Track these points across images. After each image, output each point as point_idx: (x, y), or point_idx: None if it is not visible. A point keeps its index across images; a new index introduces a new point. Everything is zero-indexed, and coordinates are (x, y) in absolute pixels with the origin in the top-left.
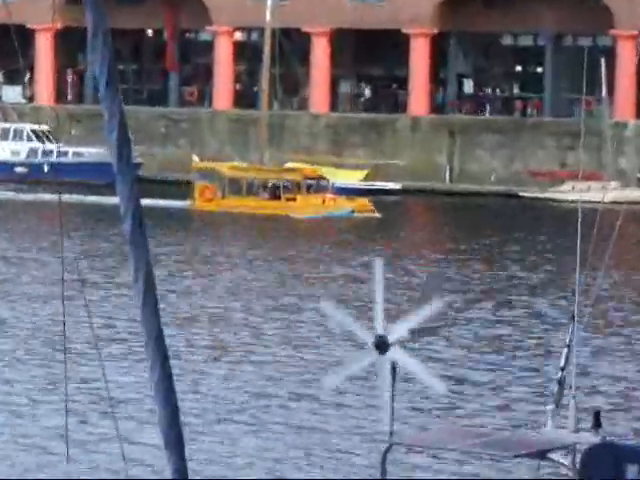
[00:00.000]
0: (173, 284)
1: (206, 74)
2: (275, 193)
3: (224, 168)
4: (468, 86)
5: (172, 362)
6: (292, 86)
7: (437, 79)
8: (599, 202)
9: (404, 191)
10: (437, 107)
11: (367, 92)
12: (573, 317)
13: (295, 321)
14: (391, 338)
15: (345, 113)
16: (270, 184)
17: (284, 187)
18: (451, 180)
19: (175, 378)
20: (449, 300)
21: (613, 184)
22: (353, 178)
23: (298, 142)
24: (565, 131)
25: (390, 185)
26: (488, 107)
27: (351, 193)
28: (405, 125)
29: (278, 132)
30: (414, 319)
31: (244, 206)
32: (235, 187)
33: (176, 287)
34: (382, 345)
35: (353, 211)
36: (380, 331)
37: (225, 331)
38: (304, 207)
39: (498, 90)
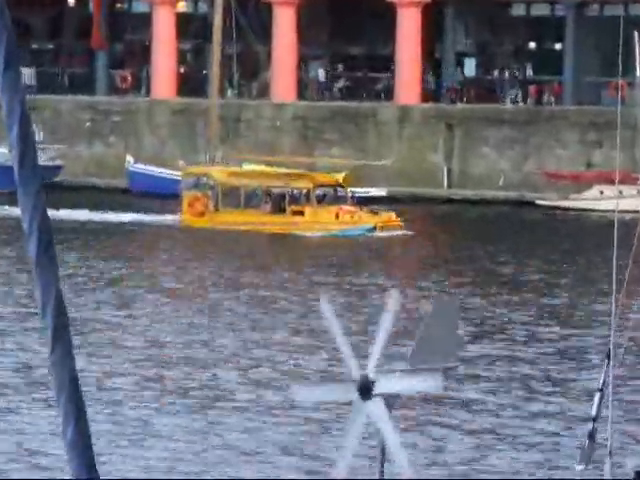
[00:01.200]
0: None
1: (142, 54)
2: (280, 205)
3: (218, 173)
4: (470, 67)
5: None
6: (250, 69)
7: (431, 59)
8: (635, 211)
9: (391, 199)
10: (431, 94)
11: (344, 76)
12: (608, 356)
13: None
14: (377, 387)
15: (317, 102)
16: (273, 193)
17: (291, 197)
18: (449, 185)
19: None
20: (462, 336)
21: None
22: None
23: (258, 138)
24: (591, 122)
25: (373, 191)
26: (495, 94)
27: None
28: (392, 116)
29: (233, 126)
30: (412, 371)
31: (241, 221)
32: (231, 197)
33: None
34: (365, 390)
35: (374, 228)
36: (369, 373)
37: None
38: (313, 223)
39: (507, 72)
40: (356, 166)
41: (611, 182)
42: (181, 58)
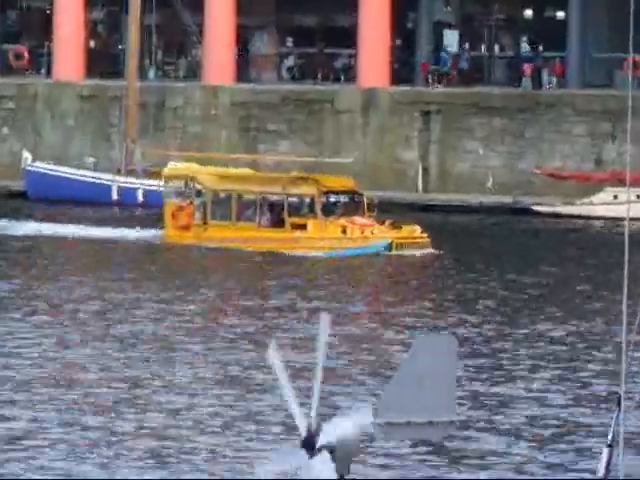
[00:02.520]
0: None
1: (42, 25)
2: (279, 216)
3: (206, 177)
4: (451, 41)
5: None
6: (177, 44)
7: (403, 31)
8: None
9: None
10: (403, 74)
11: (294, 52)
12: (619, 402)
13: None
14: (321, 439)
15: (260, 84)
16: (271, 203)
17: (292, 207)
18: (425, 187)
19: None
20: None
21: None
22: None
23: (186, 131)
24: (601, 110)
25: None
26: (482, 74)
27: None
28: (354, 103)
29: (156, 115)
30: (360, 418)
31: (233, 237)
32: (223, 205)
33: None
34: (309, 445)
35: (391, 246)
36: (313, 426)
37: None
38: (316, 240)
39: (497, 47)
40: (310, 165)
41: (627, 184)
42: (90, 30)
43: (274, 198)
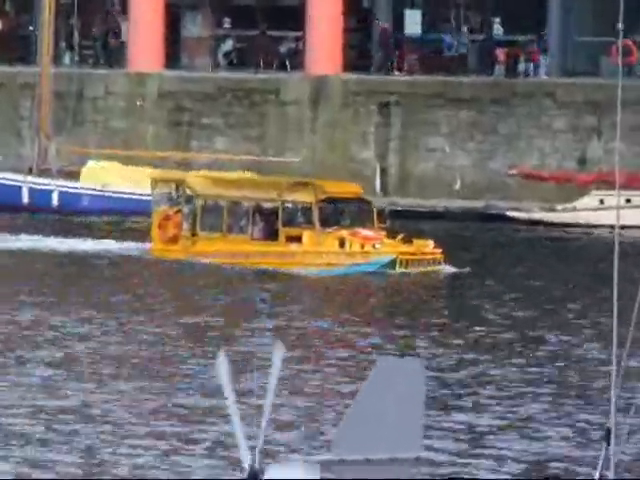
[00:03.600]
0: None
1: None
2: (273, 227)
3: (196, 180)
4: (414, 22)
5: None
6: (97, 25)
7: (358, 11)
8: None
9: None
10: (358, 61)
11: (232, 35)
12: (607, 434)
13: None
14: (265, 475)
15: (193, 72)
16: (264, 211)
17: (287, 215)
18: (384, 190)
19: None
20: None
21: None
22: None
23: (108, 125)
24: (586, 101)
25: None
26: (449, 59)
27: None
28: (301, 93)
29: (74, 106)
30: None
31: (223, 251)
32: (214, 214)
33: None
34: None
35: (394, 262)
36: (256, 464)
37: None
38: (312, 255)
39: (467, 29)
40: (251, 164)
41: (614, 186)
42: None
43: (268, 206)
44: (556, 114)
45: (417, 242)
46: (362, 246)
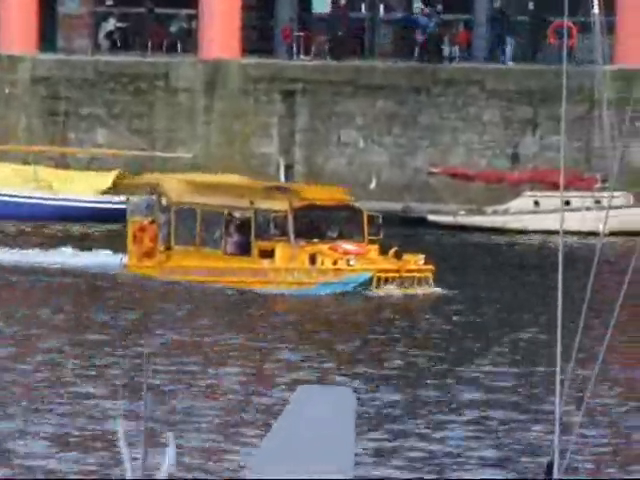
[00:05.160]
0: None
1: None
2: (247, 239)
3: (172, 185)
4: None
5: None
6: None
7: None
8: (593, 234)
9: None
10: (259, 42)
11: (115, 13)
12: (549, 467)
13: None
14: None
15: (71, 55)
16: (238, 221)
17: (260, 226)
18: None
19: None
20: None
21: (618, 196)
22: (88, 188)
23: None
24: (519, 90)
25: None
26: (362, 43)
27: (76, 219)
28: (194, 79)
29: None
30: None
31: (196, 267)
32: (187, 224)
33: None
34: None
35: (371, 280)
36: None
37: None
38: (284, 272)
39: (382, 8)
40: (137, 160)
41: (551, 186)
42: None
43: (241, 215)
44: (485, 105)
45: (406, 258)
46: (335, 262)
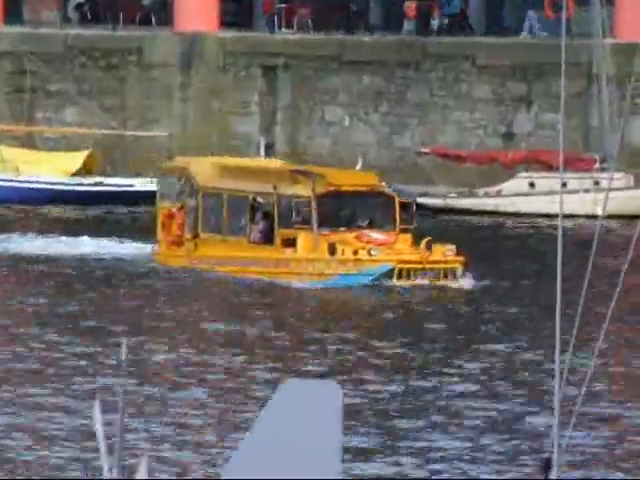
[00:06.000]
0: None
1: None
2: (271, 227)
3: (200, 168)
4: None
5: None
6: None
7: None
8: (592, 216)
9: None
10: (238, 16)
11: None
12: (546, 468)
13: None
14: None
15: (38, 28)
16: (260, 207)
17: (284, 213)
18: None
19: None
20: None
21: (618, 177)
22: (56, 170)
23: None
24: (512, 65)
25: (136, 183)
26: (349, 13)
27: (43, 201)
28: (169, 54)
29: None
30: None
31: (222, 257)
32: (215, 210)
33: None
34: None
35: (392, 272)
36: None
37: None
38: (303, 263)
39: None
40: (109, 139)
41: (547, 167)
42: None
43: (265, 201)
44: (477, 80)
45: (435, 248)
46: (355, 252)
